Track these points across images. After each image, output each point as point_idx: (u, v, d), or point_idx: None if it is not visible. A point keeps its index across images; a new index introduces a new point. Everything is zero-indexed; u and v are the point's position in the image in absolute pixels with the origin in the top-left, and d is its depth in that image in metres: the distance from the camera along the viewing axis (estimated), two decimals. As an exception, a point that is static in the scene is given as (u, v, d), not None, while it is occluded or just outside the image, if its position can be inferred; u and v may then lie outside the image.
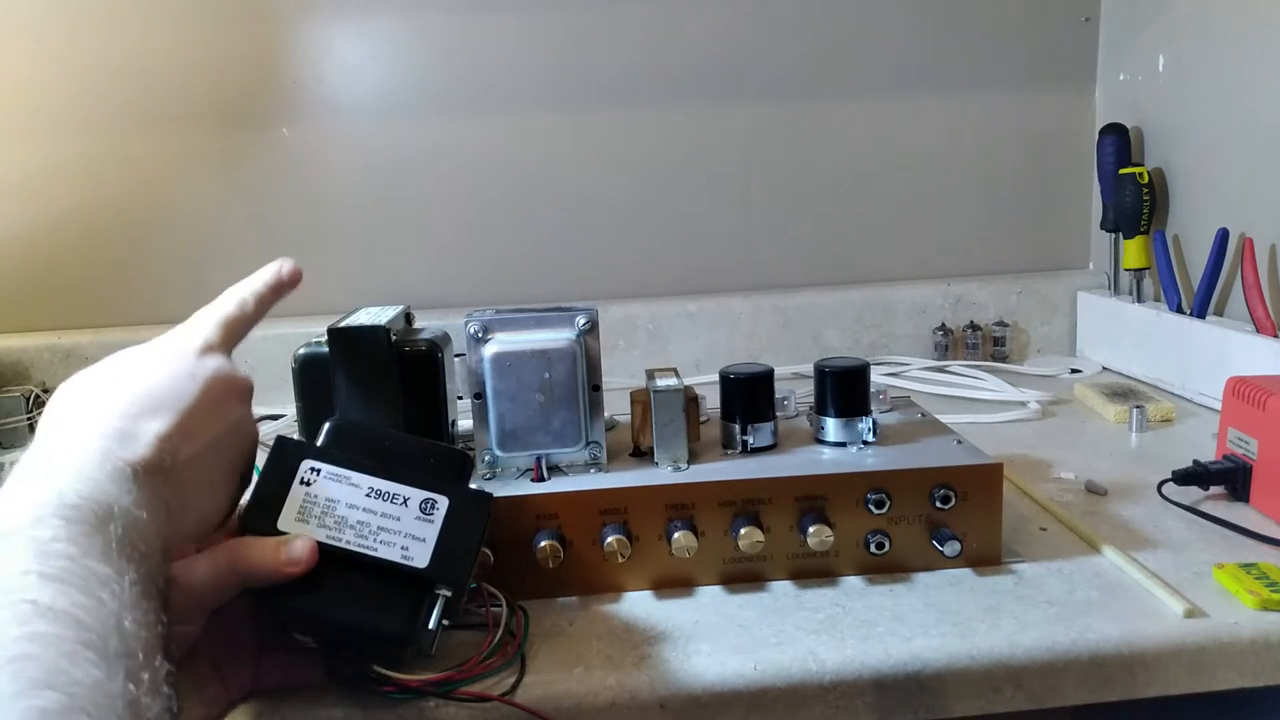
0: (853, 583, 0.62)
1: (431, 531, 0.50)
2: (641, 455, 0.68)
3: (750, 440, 0.68)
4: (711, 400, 0.72)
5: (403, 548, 0.49)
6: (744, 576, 0.62)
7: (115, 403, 0.45)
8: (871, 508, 0.62)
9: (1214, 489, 0.73)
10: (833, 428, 0.68)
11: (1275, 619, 0.55)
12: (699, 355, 1.19)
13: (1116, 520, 0.70)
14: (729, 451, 0.68)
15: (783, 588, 0.62)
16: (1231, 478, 0.72)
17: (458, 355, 0.72)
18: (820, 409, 0.69)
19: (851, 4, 1.18)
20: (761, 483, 0.62)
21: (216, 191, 1.17)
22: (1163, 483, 0.74)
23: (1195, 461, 0.74)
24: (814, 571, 0.63)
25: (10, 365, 1.13)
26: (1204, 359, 0.98)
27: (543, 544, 0.60)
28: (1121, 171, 1.11)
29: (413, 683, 0.51)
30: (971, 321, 1.20)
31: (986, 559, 0.63)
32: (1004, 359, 1.19)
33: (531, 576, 0.61)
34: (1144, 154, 1.14)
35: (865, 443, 0.68)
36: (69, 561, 0.34)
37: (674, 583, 0.62)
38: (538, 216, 1.20)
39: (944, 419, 0.75)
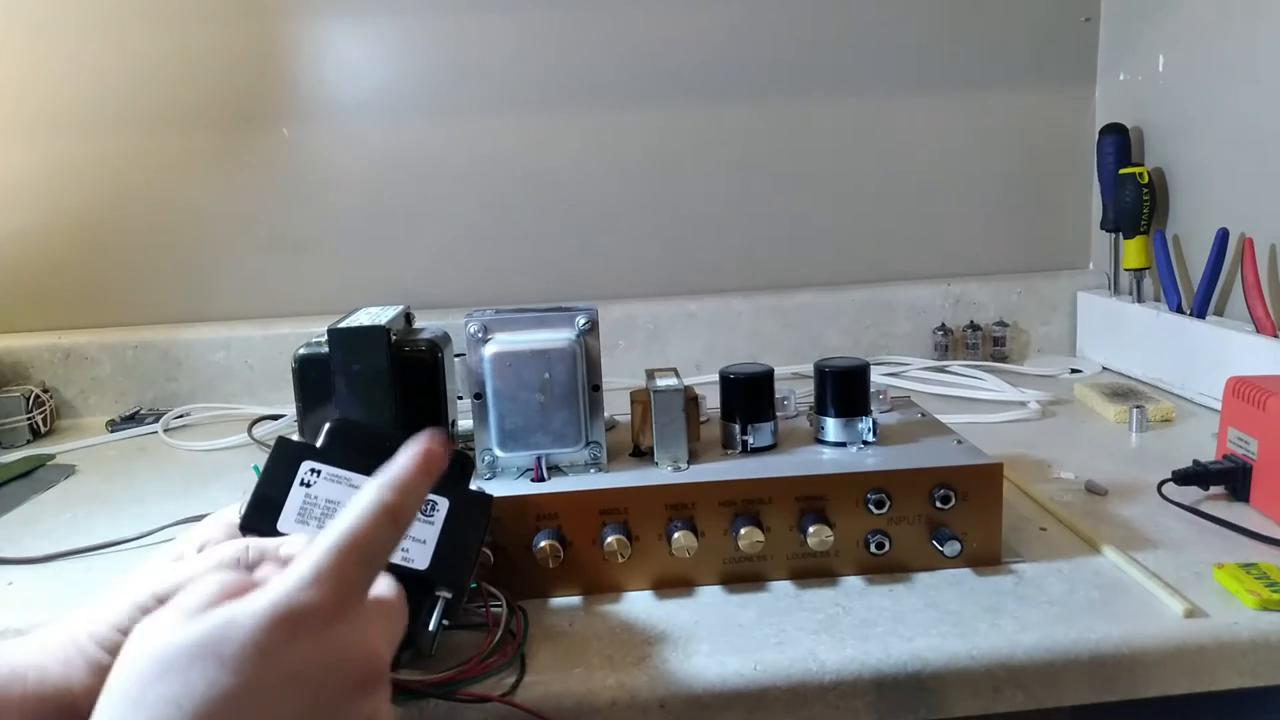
0: (853, 583, 0.62)
1: (432, 533, 0.50)
2: (641, 455, 0.68)
3: (750, 440, 0.68)
4: (711, 400, 0.72)
5: (403, 549, 0.49)
6: (744, 576, 0.62)
7: None
8: (871, 508, 0.62)
9: (1214, 489, 0.73)
10: (833, 428, 0.68)
11: (1275, 619, 0.55)
12: (699, 355, 1.19)
13: (1116, 520, 0.70)
14: (729, 451, 0.68)
15: (783, 588, 0.62)
16: (1231, 478, 0.72)
17: (458, 355, 0.72)
18: (820, 409, 0.69)
19: (853, 4, 1.18)
20: (761, 483, 0.62)
21: (216, 191, 1.17)
22: (1163, 483, 0.74)
23: (1195, 461, 0.74)
24: (814, 571, 0.63)
25: (10, 365, 1.13)
26: (1204, 359, 0.98)
27: (543, 544, 0.60)
28: (1121, 171, 1.11)
29: (413, 683, 0.51)
30: (971, 321, 1.20)
31: (986, 559, 0.63)
32: (1004, 359, 1.19)
33: (531, 576, 0.61)
34: (1144, 154, 1.14)
35: (865, 443, 0.68)
36: None
37: (674, 583, 0.62)
38: (538, 216, 1.20)
39: (944, 419, 0.75)
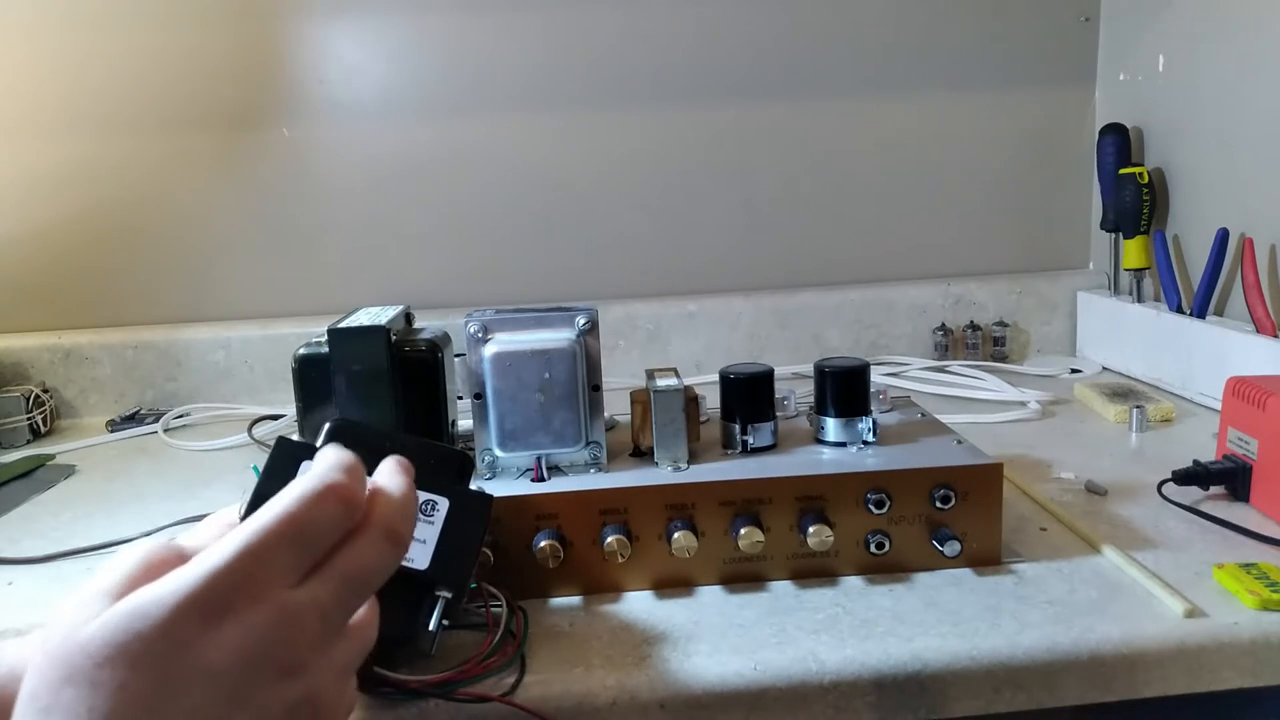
0: (853, 583, 0.62)
1: (432, 533, 0.50)
2: (641, 455, 0.68)
3: (750, 440, 0.68)
4: (711, 400, 0.72)
5: (403, 548, 0.49)
6: (744, 576, 0.62)
7: None
8: (871, 508, 0.62)
9: (1214, 489, 0.73)
10: (833, 428, 0.68)
11: (1275, 619, 0.55)
12: (699, 355, 1.19)
13: (1116, 520, 0.70)
14: (729, 451, 0.68)
15: (783, 588, 0.62)
16: (1231, 478, 0.72)
17: (458, 355, 0.72)
18: (820, 409, 0.69)
19: (852, 4, 1.18)
20: (761, 483, 0.62)
21: (216, 191, 1.17)
22: (1163, 483, 0.74)
23: (1195, 461, 0.74)
24: (814, 571, 0.63)
25: (10, 365, 1.13)
26: (1204, 359, 0.98)
27: (543, 544, 0.60)
28: (1121, 171, 1.11)
29: (413, 683, 0.51)
30: (971, 321, 1.20)
31: (986, 559, 0.63)
32: (1004, 359, 1.19)
33: (531, 576, 0.61)
34: (1144, 154, 1.14)
35: (865, 443, 0.68)
36: None
37: (674, 583, 0.62)
38: (537, 216, 1.20)
39: (944, 419, 0.75)
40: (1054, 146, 1.24)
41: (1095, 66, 1.22)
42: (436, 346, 0.71)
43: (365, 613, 0.40)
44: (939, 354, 1.20)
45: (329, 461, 0.39)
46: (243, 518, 0.49)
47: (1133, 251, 1.11)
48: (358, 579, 0.37)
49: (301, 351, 0.69)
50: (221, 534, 0.48)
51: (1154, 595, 0.58)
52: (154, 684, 0.31)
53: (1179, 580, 0.59)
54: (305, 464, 0.50)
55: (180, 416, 1.11)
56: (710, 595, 0.61)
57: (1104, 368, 1.15)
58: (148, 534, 0.75)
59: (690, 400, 0.67)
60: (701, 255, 1.23)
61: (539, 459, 0.65)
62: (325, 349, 0.67)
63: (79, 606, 0.33)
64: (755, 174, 1.22)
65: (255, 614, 0.34)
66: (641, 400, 0.68)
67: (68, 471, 0.95)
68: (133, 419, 1.10)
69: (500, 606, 0.57)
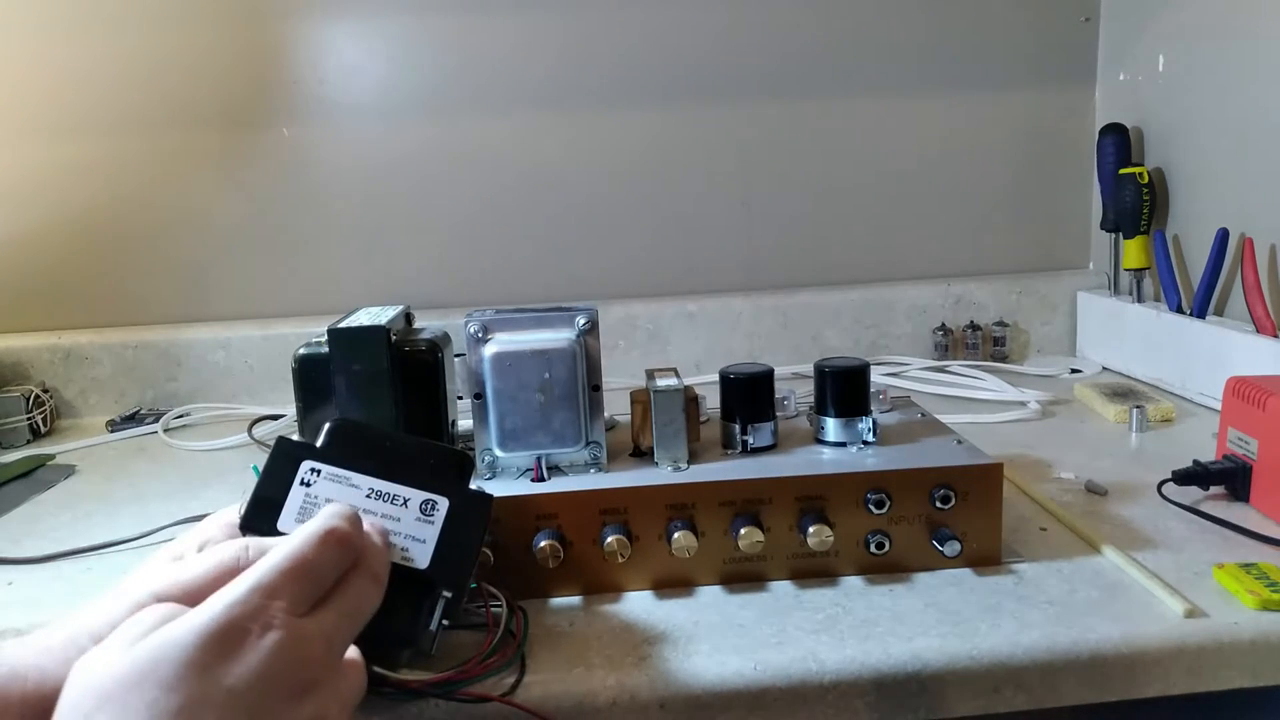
0: (853, 583, 0.62)
1: (432, 532, 0.50)
2: (641, 455, 0.68)
3: (750, 440, 0.68)
4: (711, 400, 0.72)
5: (403, 549, 0.49)
6: (744, 576, 0.62)
7: None
8: (871, 508, 0.62)
9: (1214, 489, 0.73)
10: (833, 428, 0.68)
11: (1275, 619, 0.55)
12: (699, 355, 1.19)
13: (1116, 520, 0.70)
14: (729, 451, 0.68)
15: (783, 588, 0.62)
16: (1231, 478, 0.72)
17: (458, 355, 0.72)
18: (820, 409, 0.69)
19: (852, 4, 1.18)
20: (761, 483, 0.62)
21: (216, 191, 1.17)
22: (1163, 483, 0.74)
23: (1195, 461, 0.74)
24: (814, 571, 0.63)
25: (10, 365, 1.13)
26: (1204, 359, 0.98)
27: (543, 544, 0.60)
28: (1121, 171, 1.11)
29: (413, 683, 0.50)
30: (971, 321, 1.20)
31: (986, 559, 0.63)
32: (1004, 359, 1.19)
33: (531, 576, 0.61)
34: (1144, 154, 1.14)
35: (865, 443, 0.68)
36: None
37: (674, 583, 0.62)
38: (537, 216, 1.20)
39: (944, 419, 0.75)
40: (1054, 146, 1.24)
41: (1095, 66, 1.22)
42: (436, 346, 0.71)
43: (355, 657, 0.44)
44: (939, 354, 1.20)
45: (332, 509, 0.45)
46: (241, 517, 0.49)
47: (1133, 251, 1.11)
48: (355, 612, 0.43)
49: (301, 351, 0.69)
50: (222, 534, 0.49)
51: (1154, 595, 0.58)
52: (180, 703, 0.35)
53: (1179, 580, 0.59)
54: (305, 464, 0.50)
55: (180, 416, 1.11)
56: (710, 595, 0.61)
57: (1104, 368, 1.15)
58: (147, 534, 0.75)
59: (690, 400, 0.67)
60: (701, 255, 1.23)
61: (539, 459, 0.65)
62: (325, 349, 0.67)
63: (106, 649, 0.37)
64: (755, 174, 1.22)
65: (269, 639, 0.38)
66: (641, 400, 0.68)
67: (68, 471, 0.95)
68: (133, 419, 1.10)
69: (500, 606, 0.57)
